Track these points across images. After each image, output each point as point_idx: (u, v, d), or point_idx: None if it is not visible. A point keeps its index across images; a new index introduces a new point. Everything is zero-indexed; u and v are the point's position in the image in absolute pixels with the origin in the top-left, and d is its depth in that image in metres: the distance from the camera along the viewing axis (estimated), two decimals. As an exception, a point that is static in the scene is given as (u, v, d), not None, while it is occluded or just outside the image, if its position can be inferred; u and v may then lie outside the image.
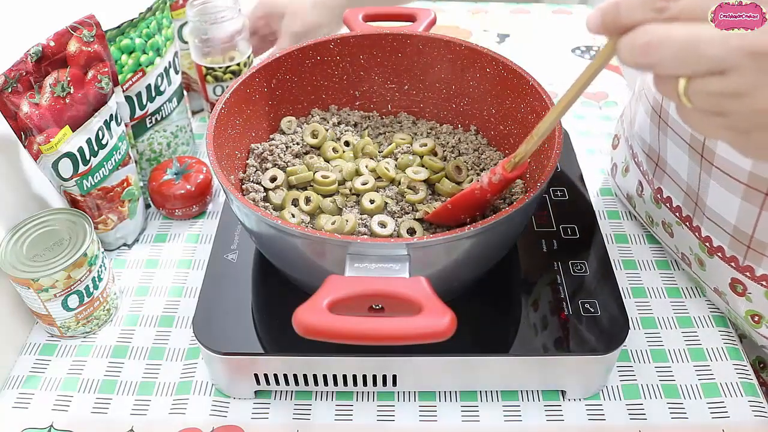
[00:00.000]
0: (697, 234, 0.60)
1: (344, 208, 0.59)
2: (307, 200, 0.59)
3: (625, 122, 0.72)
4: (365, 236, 0.56)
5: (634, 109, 0.69)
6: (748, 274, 0.56)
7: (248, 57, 0.82)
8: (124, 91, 0.68)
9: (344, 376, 0.55)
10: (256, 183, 0.63)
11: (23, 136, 0.58)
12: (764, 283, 0.55)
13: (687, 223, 0.61)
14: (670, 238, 0.65)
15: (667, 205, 0.64)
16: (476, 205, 0.54)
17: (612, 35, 0.35)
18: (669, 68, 0.33)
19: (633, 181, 0.70)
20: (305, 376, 0.55)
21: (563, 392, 0.57)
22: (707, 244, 0.59)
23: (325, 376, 0.55)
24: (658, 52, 0.32)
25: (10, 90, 0.56)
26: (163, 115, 0.74)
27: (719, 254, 0.58)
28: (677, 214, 0.62)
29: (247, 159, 0.64)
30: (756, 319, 0.58)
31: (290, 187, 0.62)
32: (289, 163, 0.64)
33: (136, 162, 0.73)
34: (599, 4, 0.36)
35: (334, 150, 0.64)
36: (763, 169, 0.50)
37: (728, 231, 0.56)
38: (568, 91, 0.42)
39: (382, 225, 0.57)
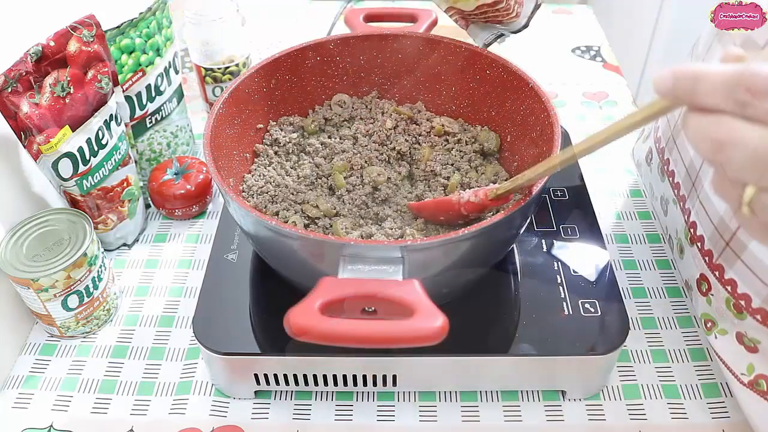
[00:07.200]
0: (710, 262, 0.54)
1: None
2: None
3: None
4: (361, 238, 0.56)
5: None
6: None
7: (247, 58, 0.82)
8: (124, 91, 0.68)
9: (344, 376, 0.55)
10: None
11: (23, 136, 0.58)
12: None
13: (707, 258, 0.55)
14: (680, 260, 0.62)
15: (692, 230, 0.58)
16: (450, 213, 0.55)
17: (678, 104, 0.31)
18: (737, 173, 0.29)
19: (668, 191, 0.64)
20: (305, 376, 0.55)
21: (563, 392, 0.57)
22: (728, 287, 0.52)
23: (324, 377, 0.55)
24: (730, 152, 0.28)
25: (10, 90, 0.56)
26: (163, 115, 0.74)
27: (743, 301, 0.51)
28: (699, 244, 0.57)
29: (255, 159, 0.64)
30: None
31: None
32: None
33: (136, 162, 0.73)
34: (673, 67, 0.31)
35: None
36: None
37: None
38: (587, 140, 0.39)
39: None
